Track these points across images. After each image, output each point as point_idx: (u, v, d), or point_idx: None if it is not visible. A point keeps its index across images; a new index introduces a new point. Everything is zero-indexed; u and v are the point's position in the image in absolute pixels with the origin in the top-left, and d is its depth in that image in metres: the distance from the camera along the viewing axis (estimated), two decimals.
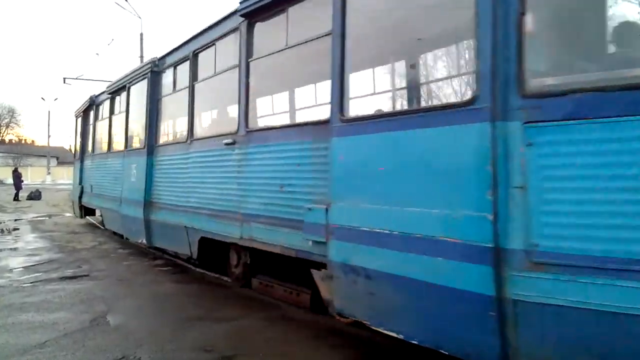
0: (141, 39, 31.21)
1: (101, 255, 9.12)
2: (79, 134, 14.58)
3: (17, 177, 27.90)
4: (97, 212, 13.61)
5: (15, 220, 16.01)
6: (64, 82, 31.58)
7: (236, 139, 5.71)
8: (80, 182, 13.70)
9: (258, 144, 5.36)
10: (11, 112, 78.57)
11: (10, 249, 9.96)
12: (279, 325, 4.93)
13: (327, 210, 4.10)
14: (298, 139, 4.71)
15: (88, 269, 7.82)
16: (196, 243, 6.80)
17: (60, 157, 77.94)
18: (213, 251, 6.81)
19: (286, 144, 4.88)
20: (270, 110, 7.84)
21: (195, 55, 7.17)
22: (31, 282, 6.79)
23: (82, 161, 13.83)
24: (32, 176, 57.17)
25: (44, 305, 5.61)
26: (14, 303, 5.67)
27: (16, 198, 26.02)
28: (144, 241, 8.42)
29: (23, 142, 77.08)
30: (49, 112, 67.75)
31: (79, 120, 14.67)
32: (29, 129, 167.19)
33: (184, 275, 7.40)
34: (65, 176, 63.26)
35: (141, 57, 31.14)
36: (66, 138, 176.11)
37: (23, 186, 28.61)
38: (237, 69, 5.85)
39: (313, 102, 6.98)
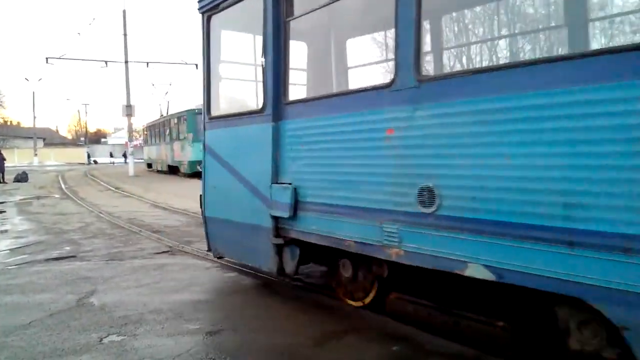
0: (124, 16, 30.72)
1: (88, 236, 9.10)
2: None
3: None
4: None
5: (2, 202, 15.88)
6: (47, 62, 31.14)
7: None
8: (278, 176, 4.82)
9: None
10: None
11: None
12: (264, 300, 5.00)
13: None
14: None
15: (75, 250, 7.82)
16: None
17: (47, 138, 77.06)
18: None
19: None
20: None
21: None
22: (17, 265, 6.78)
23: (276, 117, 4.80)
24: (19, 158, 56.54)
25: (29, 286, 5.62)
26: None
27: (2, 180, 25.73)
28: None
29: (8, 123, 75.92)
30: (33, 92, 66.50)
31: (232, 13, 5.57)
32: (14, 111, 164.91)
33: (173, 255, 7.42)
34: (52, 158, 62.68)
35: (124, 35, 30.70)
36: (52, 119, 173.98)
37: (6, 168, 28.09)
38: None
39: None
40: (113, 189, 20.43)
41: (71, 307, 4.87)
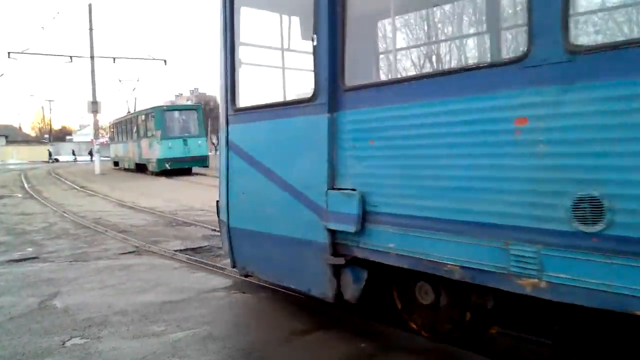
0: (90, 10, 30.02)
1: (52, 237, 8.88)
2: None
3: None
4: None
5: None
6: (9, 57, 30.08)
7: None
8: (335, 180, 3.85)
9: None
10: None
11: None
12: (233, 299, 4.97)
13: None
14: None
15: (37, 251, 7.63)
16: None
17: (9, 135, 74.74)
18: None
19: None
20: None
21: None
22: None
23: (333, 107, 3.81)
24: None
25: None
26: None
27: None
28: None
29: None
30: None
31: None
32: None
33: (139, 256, 7.29)
34: (14, 156, 60.87)
35: (90, 29, 29.97)
36: (15, 116, 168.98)
37: None
38: None
39: None
40: (78, 187, 19.97)
41: (33, 310, 4.74)
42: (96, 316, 4.51)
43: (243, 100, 4.89)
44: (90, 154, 46.67)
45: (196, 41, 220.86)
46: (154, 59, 32.72)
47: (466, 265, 3.02)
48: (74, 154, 60.56)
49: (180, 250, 7.31)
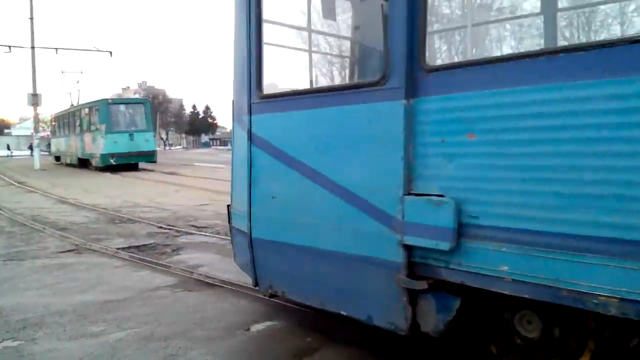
0: None
1: None
2: None
3: None
4: None
5: None
6: None
7: None
8: (413, 183, 3.00)
9: None
10: None
11: None
12: (177, 297, 4.88)
13: None
14: None
15: None
16: None
17: None
18: None
19: None
20: None
21: None
22: None
23: (411, 92, 2.95)
24: None
25: None
26: None
27: None
28: None
29: None
30: None
31: None
32: None
33: (79, 254, 7.03)
34: None
35: (31, 18, 28.67)
36: None
37: None
38: None
39: None
40: (16, 184, 19.04)
41: None
42: (31, 317, 4.33)
43: (271, 86, 4.07)
44: (31, 148, 44.75)
45: (144, 33, 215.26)
46: (99, 51, 31.71)
47: (631, 298, 2.24)
48: (8, 148, 58.01)
49: (123, 248, 7.10)
